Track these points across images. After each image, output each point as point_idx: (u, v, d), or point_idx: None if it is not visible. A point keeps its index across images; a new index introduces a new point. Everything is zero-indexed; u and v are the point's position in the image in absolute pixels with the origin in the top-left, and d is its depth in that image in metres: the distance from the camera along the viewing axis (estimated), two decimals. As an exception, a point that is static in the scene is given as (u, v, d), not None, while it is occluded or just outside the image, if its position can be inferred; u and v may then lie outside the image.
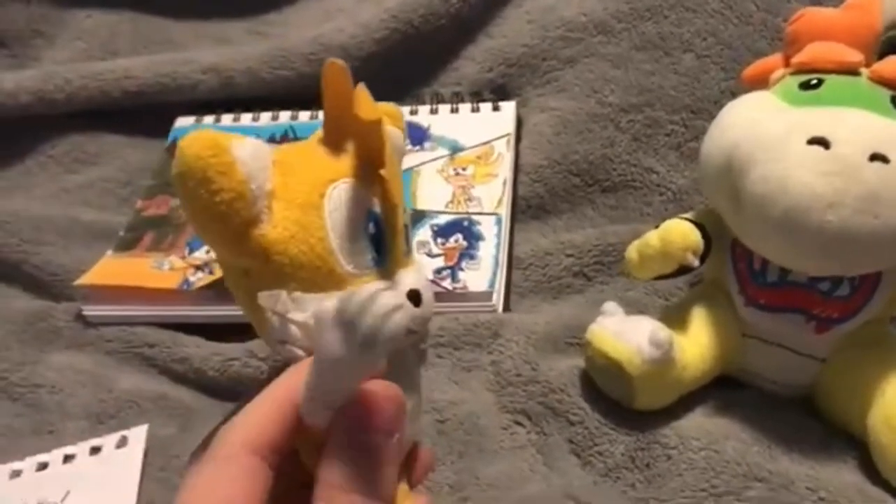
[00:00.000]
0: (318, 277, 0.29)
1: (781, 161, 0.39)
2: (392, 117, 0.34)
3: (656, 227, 0.46)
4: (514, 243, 0.61)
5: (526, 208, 0.64)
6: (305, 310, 0.29)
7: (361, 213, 0.30)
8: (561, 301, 0.58)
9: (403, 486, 0.31)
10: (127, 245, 0.62)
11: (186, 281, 0.57)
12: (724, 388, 0.48)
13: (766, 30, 0.65)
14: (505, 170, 0.63)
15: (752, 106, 0.44)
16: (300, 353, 0.29)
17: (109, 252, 0.62)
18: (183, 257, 0.60)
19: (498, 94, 0.70)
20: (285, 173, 0.29)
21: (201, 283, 0.57)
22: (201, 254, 0.59)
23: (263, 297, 0.29)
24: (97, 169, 0.74)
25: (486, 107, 0.68)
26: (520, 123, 0.68)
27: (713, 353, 0.46)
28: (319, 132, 0.31)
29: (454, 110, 0.69)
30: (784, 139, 0.40)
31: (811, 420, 0.46)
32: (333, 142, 0.31)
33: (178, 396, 0.53)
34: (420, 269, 0.32)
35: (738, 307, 0.46)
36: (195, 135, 0.27)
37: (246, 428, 0.27)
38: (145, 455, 0.49)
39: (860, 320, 0.44)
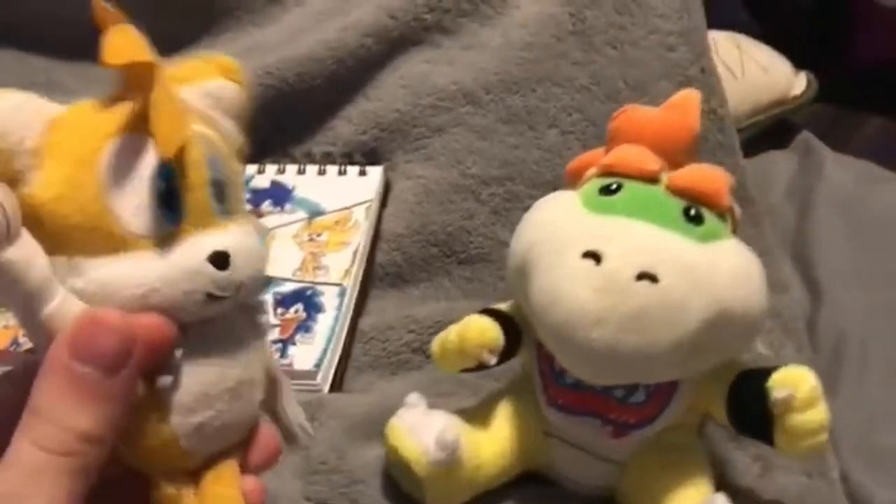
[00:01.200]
0: (96, 240, 0.27)
1: (556, 272, 0.39)
2: (224, 70, 0.32)
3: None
4: (365, 313, 0.61)
5: (384, 276, 0.63)
6: (82, 275, 0.27)
7: (146, 168, 0.27)
8: (398, 378, 0.57)
9: (231, 465, 0.30)
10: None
11: (16, 342, 0.56)
12: (528, 485, 0.47)
13: (632, 108, 0.65)
14: (358, 238, 0.62)
15: (553, 207, 0.44)
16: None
17: (-54, 306, 0.60)
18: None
19: (370, 157, 0.69)
20: (60, 130, 0.27)
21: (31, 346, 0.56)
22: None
23: None
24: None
25: (353, 170, 0.68)
26: (389, 188, 0.67)
27: (513, 450, 0.46)
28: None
29: (322, 172, 0.68)
30: (563, 250, 0.39)
31: (609, 524, 0.45)
32: (120, 93, 0.28)
33: None
34: (246, 230, 0.30)
35: (541, 406, 0.46)
36: None
37: None
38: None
39: (658, 426, 0.44)
